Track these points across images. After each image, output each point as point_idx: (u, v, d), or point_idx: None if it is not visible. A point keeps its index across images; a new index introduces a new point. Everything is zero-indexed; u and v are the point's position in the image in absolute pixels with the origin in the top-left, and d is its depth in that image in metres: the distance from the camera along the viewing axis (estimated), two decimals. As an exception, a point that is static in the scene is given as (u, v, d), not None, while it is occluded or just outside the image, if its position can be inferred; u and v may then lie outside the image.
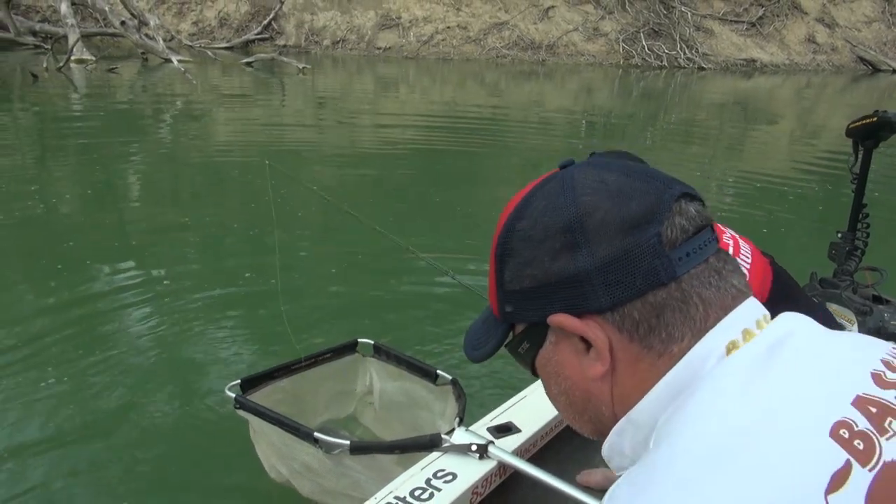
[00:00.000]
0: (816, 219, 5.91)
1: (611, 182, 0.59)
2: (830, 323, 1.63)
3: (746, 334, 0.56)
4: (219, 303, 3.80)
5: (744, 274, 0.60)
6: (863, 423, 0.48)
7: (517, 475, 1.69)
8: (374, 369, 2.23)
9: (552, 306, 0.60)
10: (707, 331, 0.57)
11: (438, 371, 2.02)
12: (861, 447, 0.46)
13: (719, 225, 1.53)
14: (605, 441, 0.63)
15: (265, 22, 19.20)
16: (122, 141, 7.90)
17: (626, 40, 19.44)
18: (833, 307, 2.32)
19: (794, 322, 0.58)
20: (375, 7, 19.74)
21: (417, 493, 1.52)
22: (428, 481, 1.56)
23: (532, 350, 0.65)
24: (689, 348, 0.57)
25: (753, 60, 20.19)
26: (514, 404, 1.87)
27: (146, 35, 15.57)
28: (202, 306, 3.73)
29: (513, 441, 1.69)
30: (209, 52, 16.89)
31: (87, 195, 6.01)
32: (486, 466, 1.60)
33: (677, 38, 19.42)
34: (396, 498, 1.51)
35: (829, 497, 0.44)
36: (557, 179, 0.62)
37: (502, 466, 1.63)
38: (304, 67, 15.25)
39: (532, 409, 1.83)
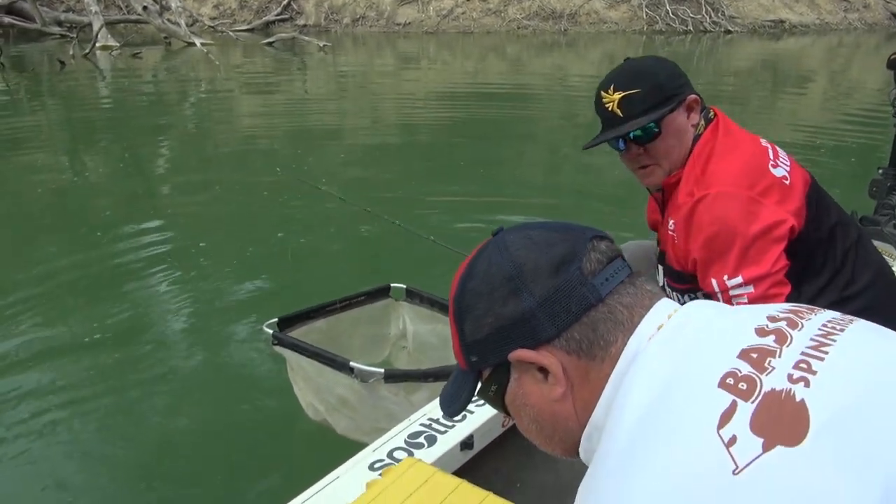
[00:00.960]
0: (850, 171, 5.81)
1: (535, 237, 0.73)
2: (868, 245, 1.61)
3: (660, 327, 0.68)
4: (251, 259, 3.89)
5: (656, 282, 0.67)
6: (746, 369, 0.59)
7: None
8: (407, 313, 2.26)
9: (510, 345, 0.70)
10: (635, 327, 0.68)
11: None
12: (744, 388, 0.57)
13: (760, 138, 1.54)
14: (580, 449, 0.72)
15: (285, 2, 19.20)
16: (149, 122, 8.01)
17: (649, 6, 19.07)
18: (875, 245, 2.29)
19: (695, 308, 0.70)
20: (394, -17, 19.61)
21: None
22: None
23: (500, 391, 0.75)
24: (623, 346, 0.68)
25: (782, 21, 19.67)
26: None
27: (168, 20, 15.68)
28: (235, 263, 3.82)
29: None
30: (231, 34, 16.97)
31: (118, 169, 6.13)
32: (521, 391, 1.62)
33: (703, 2, 18.99)
34: (430, 419, 1.54)
35: (720, 431, 0.54)
36: (493, 243, 0.75)
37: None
38: (324, 45, 15.25)
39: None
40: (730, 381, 0.58)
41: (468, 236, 3.77)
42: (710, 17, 18.91)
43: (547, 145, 7.51)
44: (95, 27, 14.00)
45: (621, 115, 1.48)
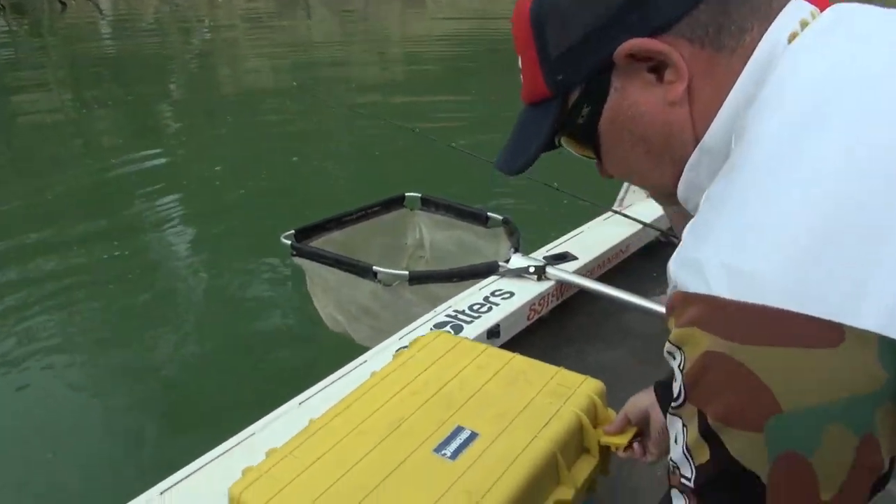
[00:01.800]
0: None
1: None
2: None
3: (803, 24, 0.55)
4: (267, 178, 3.86)
5: None
6: None
7: (572, 300, 1.68)
8: (423, 222, 2.22)
9: (615, 39, 0.57)
10: (773, 17, 0.55)
11: (489, 213, 1.99)
12: None
13: None
14: (680, 181, 0.61)
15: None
16: (152, 65, 7.87)
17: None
18: None
19: (851, 5, 0.57)
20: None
21: (476, 307, 1.53)
22: (486, 298, 1.57)
23: (594, 111, 0.62)
24: (759, 37, 0.55)
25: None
26: (569, 239, 1.84)
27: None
28: (251, 185, 3.80)
29: (570, 266, 1.68)
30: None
31: (127, 102, 6.07)
32: (544, 286, 1.59)
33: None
34: (455, 311, 1.53)
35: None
36: None
37: (560, 287, 1.62)
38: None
39: (587, 242, 1.80)
40: None
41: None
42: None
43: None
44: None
45: None
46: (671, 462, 0.52)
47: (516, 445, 0.88)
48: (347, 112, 4.31)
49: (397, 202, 2.20)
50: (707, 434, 0.46)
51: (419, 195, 2.19)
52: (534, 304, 1.56)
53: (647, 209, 1.92)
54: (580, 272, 1.69)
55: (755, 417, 0.44)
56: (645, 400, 0.96)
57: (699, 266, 0.47)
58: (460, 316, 1.51)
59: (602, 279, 1.74)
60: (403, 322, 1.91)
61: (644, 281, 1.79)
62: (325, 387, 1.32)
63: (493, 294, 1.59)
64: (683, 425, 0.49)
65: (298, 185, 3.90)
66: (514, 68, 0.64)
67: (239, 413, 1.34)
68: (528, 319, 1.55)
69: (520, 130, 0.67)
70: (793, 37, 0.54)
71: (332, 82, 6.47)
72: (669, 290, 0.50)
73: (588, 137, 0.64)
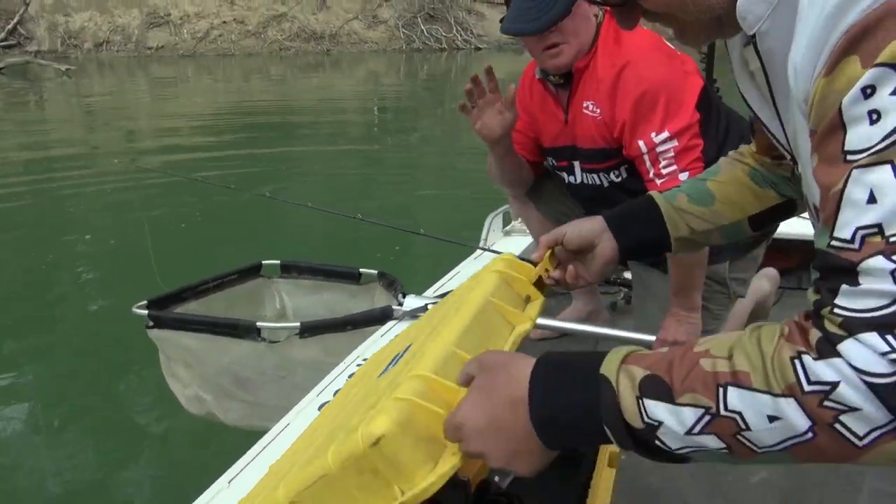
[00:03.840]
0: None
1: None
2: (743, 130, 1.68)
3: None
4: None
5: None
6: None
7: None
8: (284, 290, 2.14)
9: None
10: None
11: (361, 270, 1.99)
12: None
13: None
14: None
15: (9, 27, 16.98)
16: None
17: (405, 25, 20.00)
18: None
19: None
20: (139, 5, 18.31)
21: None
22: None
23: None
24: None
25: (522, 39, 21.82)
26: (450, 279, 1.91)
27: None
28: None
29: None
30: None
31: None
32: (445, 324, 1.63)
33: (452, 22, 20.36)
34: (364, 359, 1.49)
35: None
36: None
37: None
38: (67, 69, 13.75)
39: (468, 278, 1.89)
40: None
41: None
42: (461, 35, 20.34)
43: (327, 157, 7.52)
44: None
45: None
46: (868, 230, 0.49)
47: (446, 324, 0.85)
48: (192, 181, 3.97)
49: (254, 270, 2.11)
50: None
51: (278, 262, 2.12)
52: (440, 342, 1.59)
53: (508, 245, 2.07)
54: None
55: None
56: (590, 227, 0.97)
57: None
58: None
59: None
60: (289, 390, 1.81)
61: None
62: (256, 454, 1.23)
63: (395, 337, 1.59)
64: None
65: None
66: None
67: None
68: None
69: None
70: None
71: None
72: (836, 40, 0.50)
73: None
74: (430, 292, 1.83)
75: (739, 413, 0.53)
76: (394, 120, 10.28)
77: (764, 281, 2.00)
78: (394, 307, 1.69)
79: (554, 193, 1.88)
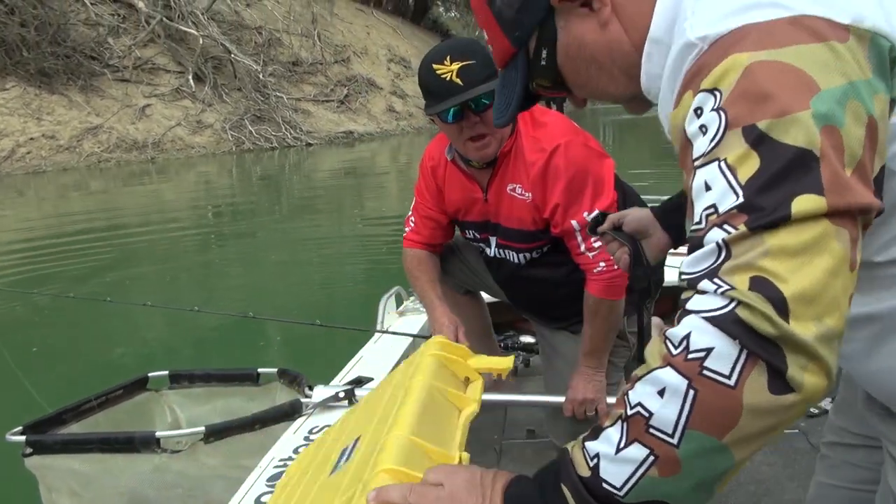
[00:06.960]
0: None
1: None
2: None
3: None
4: None
5: None
6: None
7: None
8: (175, 402, 2.07)
9: None
10: None
11: (259, 370, 1.97)
12: None
13: None
14: (642, 74, 0.75)
15: None
16: None
17: (232, 128, 19.84)
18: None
19: None
20: (-72, 126, 16.71)
21: (301, 448, 1.50)
22: (306, 439, 1.54)
23: (551, 52, 0.79)
24: None
25: (351, 132, 22.40)
26: (354, 365, 1.94)
27: None
28: None
29: (374, 384, 1.77)
30: None
31: None
32: (358, 408, 1.65)
33: (280, 121, 20.52)
34: (282, 459, 1.48)
35: None
36: None
37: (370, 406, 1.70)
38: None
39: (374, 362, 1.93)
40: None
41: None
42: (291, 133, 20.53)
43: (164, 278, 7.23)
44: None
45: (461, 83, 1.52)
46: (707, 210, 0.58)
47: (393, 411, 0.90)
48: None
49: (140, 384, 2.02)
50: (757, 140, 0.56)
51: (166, 372, 2.05)
52: (356, 427, 1.61)
53: (406, 325, 2.15)
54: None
55: (803, 99, 0.56)
56: (646, 218, 1.11)
57: (722, 14, 0.62)
58: (289, 463, 1.48)
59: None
60: (201, 499, 1.74)
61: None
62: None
63: (311, 432, 1.58)
64: (721, 160, 0.58)
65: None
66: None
67: None
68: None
69: (501, 89, 0.83)
70: None
71: None
72: (688, 67, 0.64)
73: (553, 75, 0.79)
74: (337, 381, 1.85)
75: (639, 403, 0.58)
76: (243, 223, 10.05)
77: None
78: (302, 400, 1.69)
79: (459, 266, 1.98)
